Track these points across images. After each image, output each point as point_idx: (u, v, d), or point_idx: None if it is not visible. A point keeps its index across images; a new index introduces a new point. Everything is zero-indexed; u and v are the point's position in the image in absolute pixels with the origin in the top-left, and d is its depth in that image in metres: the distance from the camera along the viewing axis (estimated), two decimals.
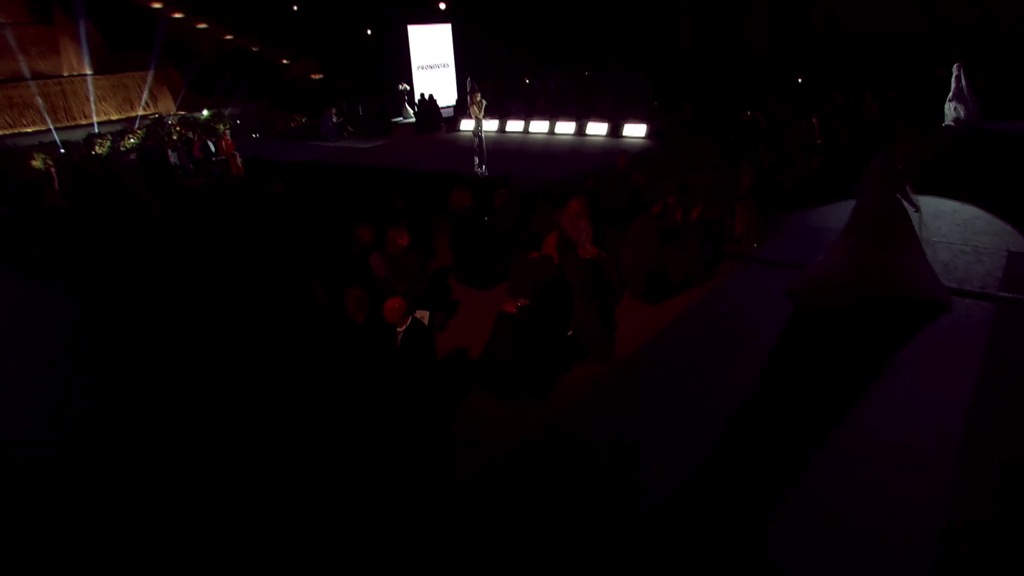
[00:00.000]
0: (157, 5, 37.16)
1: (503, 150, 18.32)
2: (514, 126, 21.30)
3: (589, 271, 6.76)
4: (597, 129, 19.43)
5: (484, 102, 14.27)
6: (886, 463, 5.30)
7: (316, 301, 7.10)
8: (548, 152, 17.79)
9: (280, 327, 7.14)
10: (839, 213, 10.66)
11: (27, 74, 27.27)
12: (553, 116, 20.78)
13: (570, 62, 34.00)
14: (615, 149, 17.46)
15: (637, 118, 19.16)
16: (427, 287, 7.71)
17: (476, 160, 14.02)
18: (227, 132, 18.76)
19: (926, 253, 7.75)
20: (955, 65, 17.30)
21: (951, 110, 17.10)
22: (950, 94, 17.13)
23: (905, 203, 7.53)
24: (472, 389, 6.52)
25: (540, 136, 20.43)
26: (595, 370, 6.84)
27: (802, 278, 8.12)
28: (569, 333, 6.83)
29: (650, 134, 18.33)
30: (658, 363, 7.01)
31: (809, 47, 29.75)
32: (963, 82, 17.03)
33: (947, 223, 10.46)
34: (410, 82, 28.25)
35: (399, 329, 5.72)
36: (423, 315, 7.51)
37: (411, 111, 25.44)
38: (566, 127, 20.08)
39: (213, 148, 17.72)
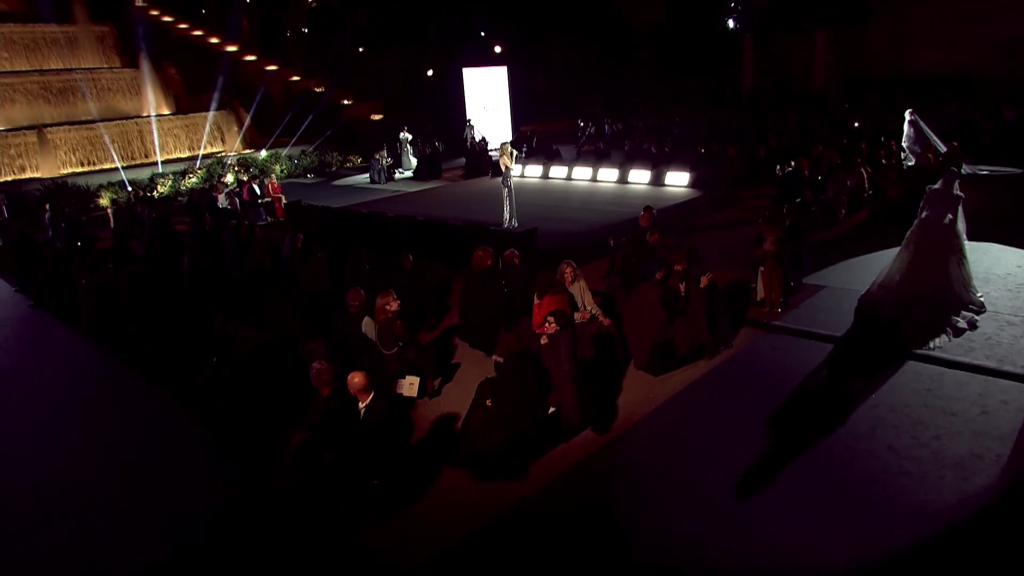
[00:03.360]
0: (231, 49, 39.16)
1: (540, 199, 18.15)
2: (558, 172, 21.12)
3: (572, 344, 6.47)
4: (640, 177, 19.04)
5: (515, 152, 14.14)
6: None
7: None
8: (585, 203, 17.46)
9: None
10: (874, 270, 10.15)
11: (109, 115, 28.93)
12: (597, 163, 20.53)
13: (626, 105, 33.94)
14: (657, 198, 17.18)
15: (682, 165, 18.71)
16: (416, 353, 7.52)
17: (505, 213, 13.87)
18: (273, 176, 19.29)
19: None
20: (908, 111, 17.72)
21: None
22: (903, 138, 17.44)
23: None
24: (450, 462, 6.31)
25: (582, 183, 20.17)
26: (579, 449, 6.51)
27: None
28: (551, 410, 6.52)
29: (694, 183, 17.85)
30: (648, 445, 6.62)
31: (873, 90, 28.80)
32: (921, 127, 17.29)
33: (997, 288, 9.67)
34: (462, 124, 28.58)
35: (361, 405, 5.57)
36: (413, 381, 7.38)
37: (412, 161, 24.87)
38: (609, 174, 19.76)
39: (259, 191, 18.22)
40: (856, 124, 21.59)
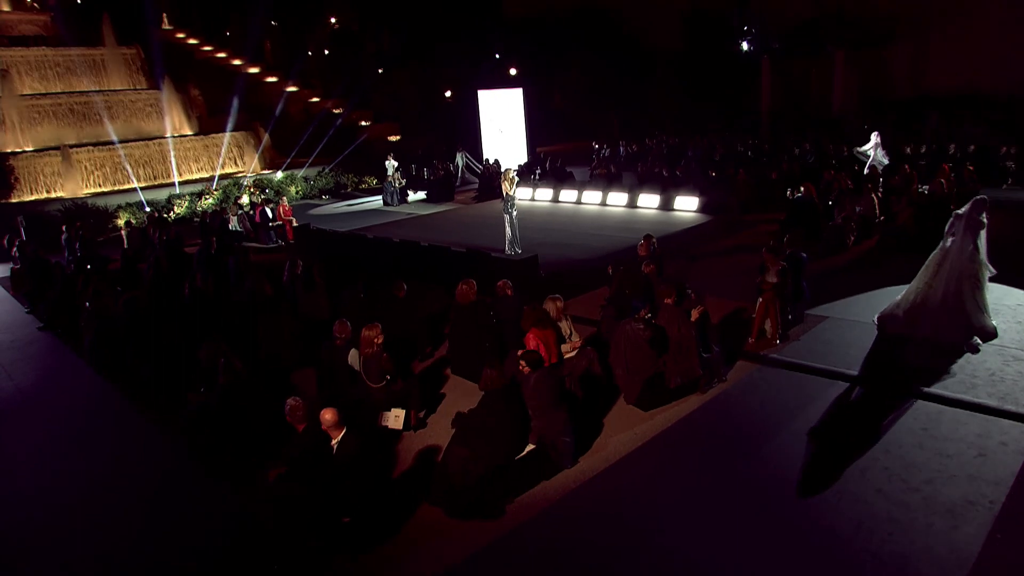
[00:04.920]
0: (254, 70, 39.84)
1: (547, 224, 18.14)
2: (568, 196, 21.05)
3: (554, 381, 6.38)
4: (649, 202, 18.92)
5: (516, 179, 14.13)
6: None
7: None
8: (592, 228, 17.32)
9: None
10: (880, 304, 9.95)
11: (134, 135, 29.49)
12: (607, 187, 20.43)
13: (644, 127, 33.91)
14: (665, 223, 17.06)
15: (691, 189, 18.57)
16: (402, 385, 7.49)
17: (507, 239, 13.85)
18: (284, 199, 19.49)
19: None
20: (874, 133, 18.44)
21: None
22: (868, 161, 18.12)
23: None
24: (427, 498, 6.23)
25: (592, 208, 20.07)
26: (558, 487, 6.40)
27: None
28: (530, 447, 6.43)
29: (703, 207, 17.71)
30: (629, 485, 6.48)
31: (893, 112, 28.47)
32: (879, 152, 17.94)
33: (1006, 319, 9.42)
34: (479, 145, 28.69)
35: (332, 442, 5.54)
36: (399, 414, 7.34)
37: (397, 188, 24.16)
38: (619, 198, 19.66)
39: (271, 213, 18.40)
40: None
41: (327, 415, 5.49)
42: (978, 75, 28.10)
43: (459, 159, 26.69)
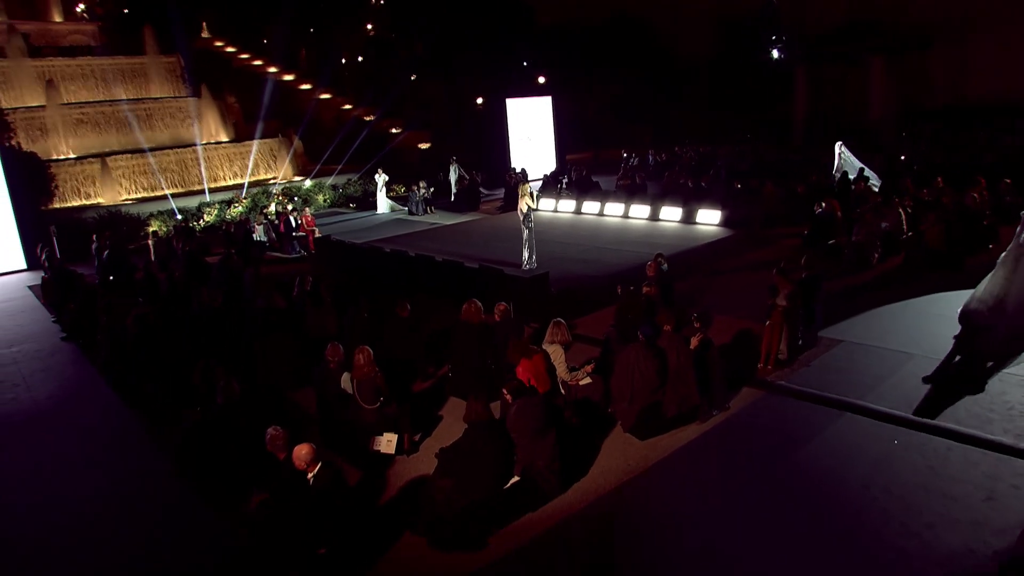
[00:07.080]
0: (289, 77, 40.47)
1: (566, 237, 17.92)
2: (591, 207, 20.83)
3: (537, 409, 6.28)
4: (671, 214, 18.63)
5: (536, 194, 14.03)
6: None
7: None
8: (611, 242, 17.02)
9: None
10: (902, 322, 9.59)
11: (172, 143, 30.17)
12: (629, 199, 20.15)
13: (677, 136, 33.59)
14: (686, 237, 16.80)
15: (714, 203, 18.24)
16: (396, 408, 7.47)
17: (524, 254, 13.75)
18: (307, 209, 19.68)
19: None
20: (838, 144, 18.52)
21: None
22: (834, 168, 18.29)
23: None
24: (412, 528, 6.18)
25: (614, 220, 19.81)
26: (544, 519, 6.29)
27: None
28: (515, 479, 6.34)
29: (725, 221, 17.38)
30: (617, 518, 6.32)
31: (932, 120, 27.70)
32: (843, 159, 18.04)
33: None
34: (507, 153, 28.61)
35: (308, 475, 5.52)
36: (391, 438, 7.32)
37: (387, 204, 24.21)
38: (641, 211, 19.40)
39: (295, 223, 18.61)
40: (903, 158, 20.67)
41: (303, 451, 5.47)
42: (1020, 83, 27.16)
43: (452, 171, 26.27)
